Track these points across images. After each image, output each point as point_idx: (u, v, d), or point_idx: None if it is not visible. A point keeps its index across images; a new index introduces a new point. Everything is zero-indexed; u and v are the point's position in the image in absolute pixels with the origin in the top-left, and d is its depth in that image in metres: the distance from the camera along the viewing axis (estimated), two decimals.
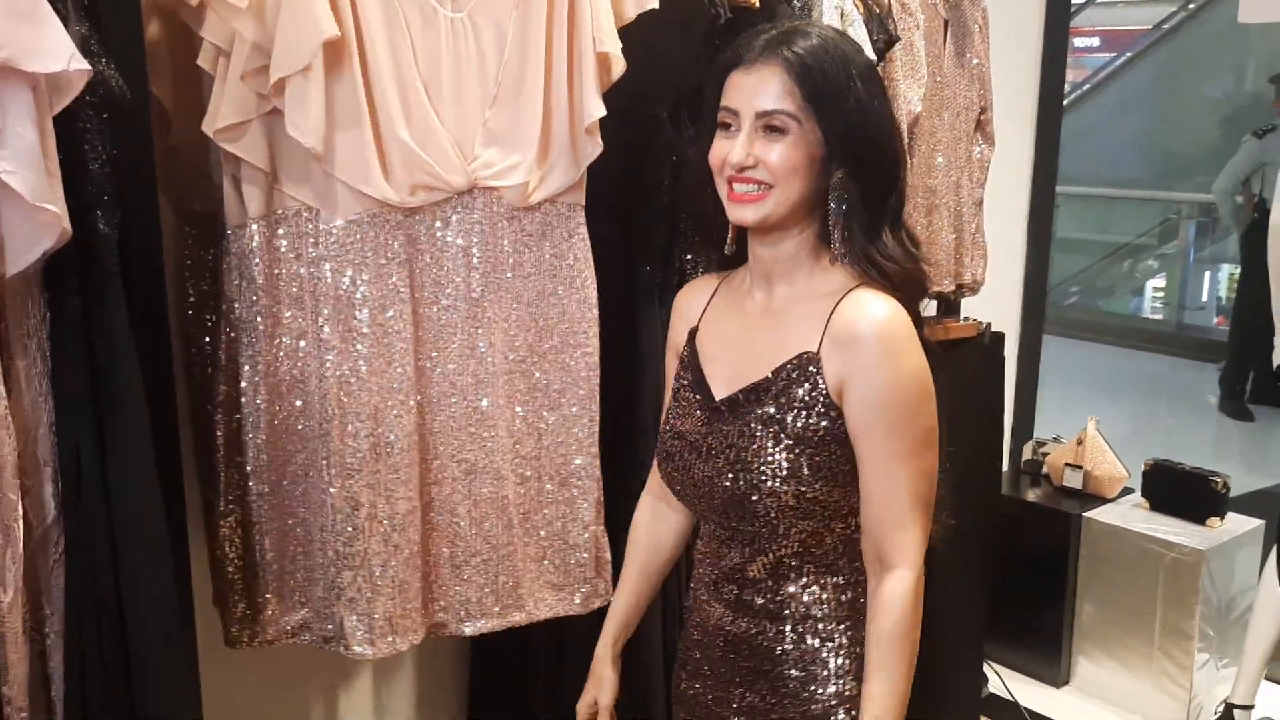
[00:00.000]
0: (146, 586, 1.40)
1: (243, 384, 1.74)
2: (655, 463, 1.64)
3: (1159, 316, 8.62)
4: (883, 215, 1.46)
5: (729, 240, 1.54)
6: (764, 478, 1.44)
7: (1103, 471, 3.46)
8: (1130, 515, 3.35)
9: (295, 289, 1.70)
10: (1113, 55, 9.47)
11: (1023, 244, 3.69)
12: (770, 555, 1.49)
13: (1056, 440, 3.64)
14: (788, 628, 1.50)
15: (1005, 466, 3.52)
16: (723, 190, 1.46)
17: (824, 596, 1.49)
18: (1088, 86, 9.01)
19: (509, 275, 1.81)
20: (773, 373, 1.46)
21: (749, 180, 1.43)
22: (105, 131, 1.35)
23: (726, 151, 1.44)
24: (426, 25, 1.67)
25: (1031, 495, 3.53)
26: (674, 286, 2.09)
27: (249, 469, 1.76)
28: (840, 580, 1.50)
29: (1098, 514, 3.37)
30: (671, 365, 1.65)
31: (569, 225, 1.86)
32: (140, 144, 1.49)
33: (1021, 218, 3.66)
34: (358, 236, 1.66)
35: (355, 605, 1.75)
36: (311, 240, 1.66)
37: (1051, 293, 3.90)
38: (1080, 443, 3.51)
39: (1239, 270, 6.85)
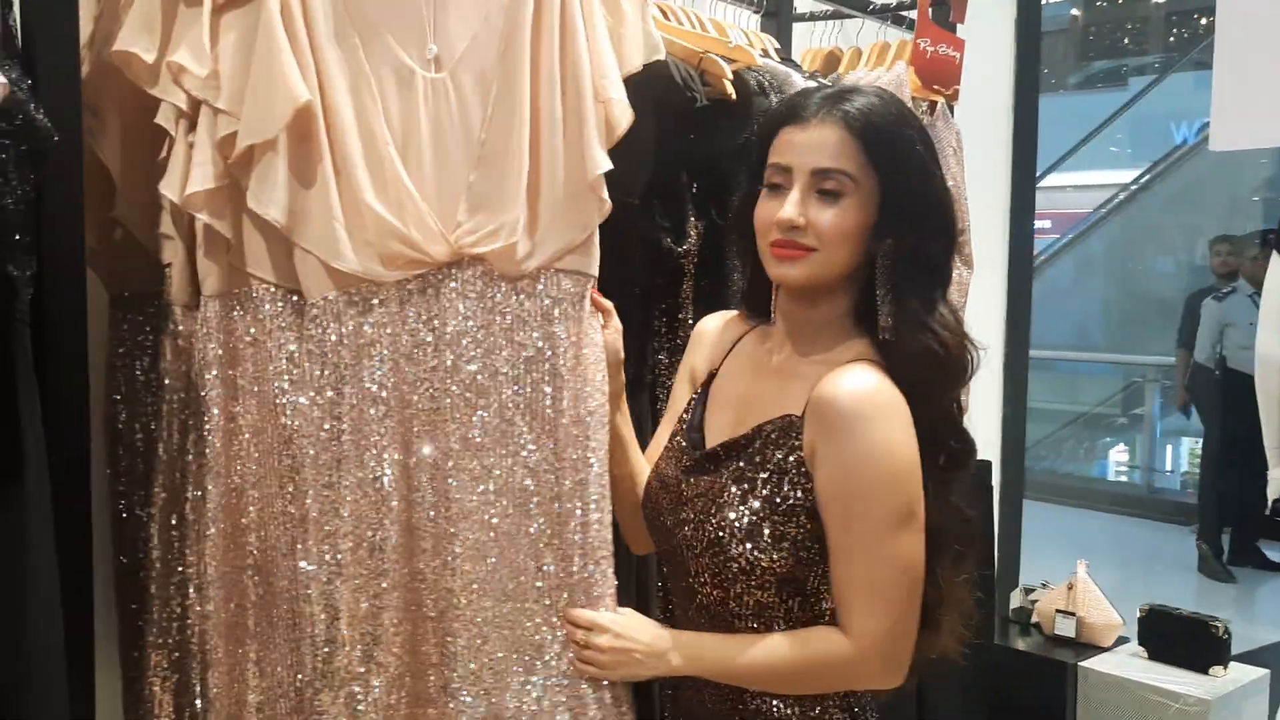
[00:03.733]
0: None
1: (189, 487, 1.49)
2: None
3: (1127, 479, 8.59)
4: (937, 284, 1.39)
5: (772, 305, 1.47)
6: (723, 536, 1.37)
7: (1096, 618, 3.28)
8: (1129, 664, 3.16)
9: (255, 373, 1.47)
10: (1058, 236, 9.71)
11: (999, 390, 3.63)
12: (725, 624, 1.41)
13: (1045, 586, 3.47)
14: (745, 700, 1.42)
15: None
16: (764, 249, 1.40)
17: None
18: (1041, 260, 9.20)
19: (504, 357, 1.52)
20: (753, 429, 1.40)
21: (793, 243, 1.36)
22: (24, 167, 1.22)
23: (775, 211, 1.36)
24: (403, 88, 1.51)
25: (1022, 644, 3.34)
26: (648, 385, 1.96)
27: (197, 583, 1.47)
28: None
29: (1094, 663, 3.18)
30: (681, 393, 1.57)
31: (577, 300, 1.53)
32: (68, 198, 1.36)
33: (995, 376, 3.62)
34: (330, 316, 1.47)
35: None
36: (277, 322, 1.47)
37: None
38: (1071, 588, 3.34)
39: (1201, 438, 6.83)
